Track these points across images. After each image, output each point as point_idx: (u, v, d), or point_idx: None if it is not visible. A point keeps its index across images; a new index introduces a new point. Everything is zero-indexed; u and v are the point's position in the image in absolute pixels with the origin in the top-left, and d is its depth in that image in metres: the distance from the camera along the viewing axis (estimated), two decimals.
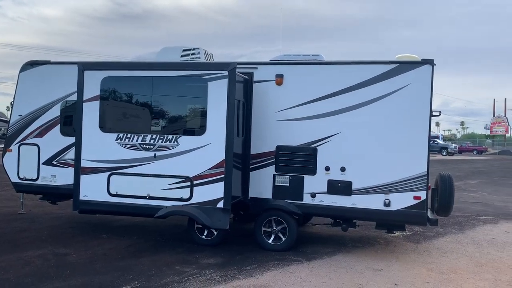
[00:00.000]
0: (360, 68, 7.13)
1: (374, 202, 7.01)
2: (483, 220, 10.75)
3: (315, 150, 7.22)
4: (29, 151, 8.58)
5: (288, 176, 7.32)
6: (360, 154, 7.07)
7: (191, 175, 6.82)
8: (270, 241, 7.44)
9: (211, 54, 8.76)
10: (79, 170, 7.20)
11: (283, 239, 7.40)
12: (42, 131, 8.53)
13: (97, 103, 7.16)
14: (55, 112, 8.47)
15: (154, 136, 6.96)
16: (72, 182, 8.05)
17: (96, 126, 7.19)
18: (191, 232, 7.63)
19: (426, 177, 6.83)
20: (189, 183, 6.82)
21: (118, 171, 7.09)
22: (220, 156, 6.66)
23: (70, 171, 8.18)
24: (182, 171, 6.85)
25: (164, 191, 6.90)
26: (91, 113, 7.17)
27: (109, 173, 7.12)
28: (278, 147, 7.36)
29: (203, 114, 6.83)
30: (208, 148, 6.72)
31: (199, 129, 6.88)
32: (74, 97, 8.29)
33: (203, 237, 7.57)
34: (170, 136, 6.90)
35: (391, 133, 6.96)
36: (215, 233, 7.52)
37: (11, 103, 9.64)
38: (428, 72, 6.83)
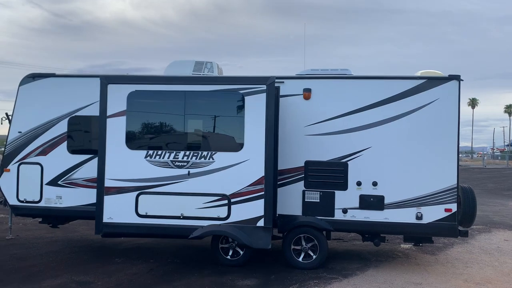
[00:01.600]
0: (389, 83, 7.20)
1: (407, 216, 7.04)
2: (476, 229, 11.11)
3: (346, 165, 7.18)
4: (31, 170, 7.90)
5: (319, 192, 7.21)
6: (392, 168, 7.10)
7: (228, 193, 6.54)
8: (300, 259, 7.26)
9: (221, 68, 8.56)
10: (103, 190, 6.70)
11: (314, 256, 7.26)
12: (46, 149, 7.89)
13: (123, 119, 6.73)
14: (61, 128, 7.88)
15: (187, 153, 6.63)
16: (81, 204, 7.58)
17: (122, 143, 6.75)
18: (215, 252, 7.31)
19: (456, 189, 6.97)
20: (226, 201, 6.53)
21: (147, 190, 6.67)
22: (259, 172, 6.45)
23: (79, 191, 7.69)
24: (218, 189, 6.55)
25: (199, 210, 6.57)
26: (116, 130, 6.73)
27: (137, 192, 6.68)
28: (307, 162, 7.25)
29: (240, 129, 6.60)
30: (246, 165, 6.49)
31: (236, 145, 6.63)
32: (83, 112, 7.81)
33: (228, 257, 7.28)
34: (205, 153, 6.60)
35: (421, 147, 7.05)
36: (241, 253, 7.25)
37: (4, 117, 8.91)
38: (455, 87, 7.01)
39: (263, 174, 6.41)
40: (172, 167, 6.63)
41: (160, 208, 6.63)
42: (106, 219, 6.67)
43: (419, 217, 7.01)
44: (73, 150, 7.85)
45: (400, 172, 7.08)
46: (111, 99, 6.68)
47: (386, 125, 7.15)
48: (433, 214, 6.98)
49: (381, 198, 7.08)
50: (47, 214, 7.96)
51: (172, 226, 6.60)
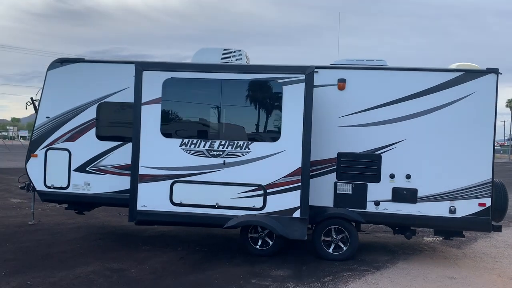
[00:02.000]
0: (426, 75, 7.12)
1: (440, 210, 7.01)
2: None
3: (379, 157, 7.12)
4: (59, 156, 7.83)
5: (351, 184, 7.16)
6: (426, 161, 7.05)
7: (264, 183, 6.48)
8: (330, 251, 7.22)
9: (249, 57, 8.45)
10: (137, 178, 6.64)
11: (344, 248, 7.22)
12: (75, 135, 7.82)
13: (158, 106, 6.64)
14: (90, 114, 7.79)
15: (223, 142, 6.56)
16: (110, 191, 7.52)
17: (157, 131, 6.67)
18: (244, 241, 7.28)
19: (490, 184, 6.92)
20: (262, 192, 6.48)
21: (182, 179, 6.61)
22: (296, 163, 6.39)
23: (108, 178, 7.63)
24: (254, 179, 6.49)
25: (235, 200, 6.52)
26: (150, 117, 6.65)
27: (172, 181, 6.62)
28: (340, 154, 7.18)
29: (277, 119, 6.53)
30: (283, 155, 6.43)
31: (273, 135, 6.56)
32: (112, 99, 7.73)
33: (258, 247, 7.25)
34: (241, 142, 6.52)
35: (456, 140, 6.99)
36: (270, 243, 7.22)
37: (28, 102, 8.82)
38: (493, 80, 6.93)
39: (300, 165, 6.35)
40: (207, 156, 6.57)
41: (195, 197, 6.58)
42: (140, 206, 6.62)
43: (452, 211, 6.97)
44: (102, 137, 7.77)
45: (434, 165, 7.03)
46: (146, 86, 6.59)
47: (422, 117, 7.08)
48: (466, 208, 6.95)
49: (415, 191, 7.03)
50: (75, 200, 7.91)
51: (206, 215, 6.56)
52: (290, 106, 6.42)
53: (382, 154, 7.12)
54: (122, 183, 7.66)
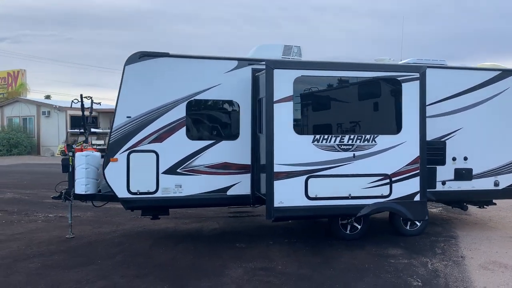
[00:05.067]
0: (475, 74, 8.54)
1: (488, 184, 8.56)
2: None
3: (444, 144, 8.35)
4: (144, 159, 7.26)
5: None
6: (478, 145, 8.51)
7: (389, 173, 7.14)
8: (407, 228, 8.26)
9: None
10: (273, 176, 6.69)
11: (418, 224, 8.32)
12: (162, 135, 7.31)
13: (290, 104, 6.74)
14: (179, 113, 7.36)
15: (352, 136, 6.99)
16: (204, 191, 7.41)
17: (290, 128, 6.77)
18: (336, 228, 7.86)
19: None
20: (388, 180, 7.13)
21: (316, 174, 6.86)
22: (415, 152, 7.20)
23: (201, 179, 7.44)
24: (381, 169, 7.10)
25: (365, 189, 7.04)
26: (283, 115, 6.71)
27: (306, 176, 6.82)
28: None
29: (398, 113, 7.21)
30: (404, 146, 7.16)
31: (395, 128, 7.23)
32: (202, 96, 7.49)
33: (348, 232, 7.91)
34: (368, 136, 7.05)
35: (499, 126, 8.59)
36: (358, 227, 7.94)
37: (76, 99, 7.87)
38: None
39: (419, 154, 7.18)
40: (338, 150, 6.94)
41: (329, 190, 6.90)
42: (277, 203, 6.68)
43: (496, 184, 8.57)
44: (193, 136, 7.45)
45: (484, 147, 8.52)
46: (278, 84, 6.63)
47: (473, 109, 8.48)
48: (507, 180, 8.62)
49: (470, 170, 8.44)
50: (164, 205, 7.45)
51: (341, 206, 6.95)
52: (408, 101, 7.16)
53: (446, 141, 8.34)
54: (215, 182, 7.52)
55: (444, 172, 8.30)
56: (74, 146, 8.09)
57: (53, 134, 32.02)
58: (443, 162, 8.28)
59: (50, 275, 6.06)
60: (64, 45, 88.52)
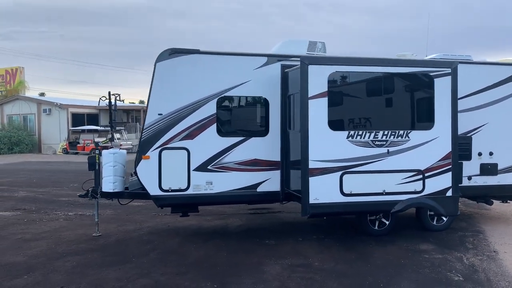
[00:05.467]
0: (501, 69, 8.56)
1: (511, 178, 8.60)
2: None
3: (470, 139, 8.36)
4: (176, 156, 7.23)
5: None
6: (503, 140, 8.54)
7: (422, 168, 7.15)
8: (434, 223, 8.28)
9: None
10: (308, 172, 6.68)
11: (445, 219, 8.34)
12: (193, 132, 7.29)
13: (324, 100, 6.73)
14: (210, 109, 7.34)
15: (385, 132, 6.99)
16: (234, 188, 7.40)
17: (325, 124, 6.76)
18: (364, 224, 7.86)
19: None
20: (421, 176, 7.14)
21: (351, 170, 6.86)
22: (447, 148, 7.21)
23: (231, 175, 7.43)
24: (414, 165, 7.11)
25: (399, 185, 7.05)
26: (318, 111, 6.70)
27: (341, 172, 6.82)
28: None
29: (431, 109, 7.21)
30: (437, 141, 7.17)
31: (428, 124, 7.24)
32: (232, 93, 7.47)
33: (376, 228, 7.92)
34: (401, 132, 7.05)
35: None
36: (386, 223, 7.95)
37: (104, 96, 7.82)
38: None
39: (450, 150, 7.19)
40: (372, 146, 6.94)
41: (364, 186, 6.91)
42: (312, 200, 6.68)
43: None
44: (223, 133, 7.43)
45: (509, 142, 8.56)
46: (312, 80, 6.62)
47: (498, 104, 8.51)
48: None
49: (496, 165, 8.48)
50: (195, 202, 7.43)
51: (375, 202, 6.96)
52: (440, 96, 7.17)
53: (472, 136, 8.36)
54: (245, 179, 7.51)
55: (470, 167, 8.32)
56: (100, 144, 8.03)
57: (55, 131, 31.85)
58: (469, 157, 8.30)
59: (89, 274, 6.02)
60: (56, 42, 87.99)
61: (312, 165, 6.68)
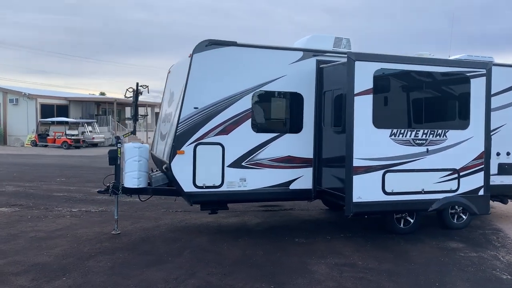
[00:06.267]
0: None
1: None
2: None
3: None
4: (211, 151, 6.98)
5: None
6: None
7: (457, 167, 7.21)
8: (455, 221, 8.41)
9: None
10: (352, 170, 6.59)
11: (465, 217, 8.49)
12: (228, 127, 7.05)
13: (369, 97, 6.64)
14: (245, 104, 7.12)
15: (425, 131, 7.00)
16: (267, 185, 7.27)
17: (369, 122, 6.68)
18: (391, 223, 7.89)
19: None
20: (456, 175, 7.20)
21: (393, 168, 6.82)
22: (481, 148, 7.31)
23: (265, 172, 7.28)
24: (450, 164, 7.16)
25: (436, 184, 7.08)
26: (362, 108, 6.61)
27: (383, 171, 6.77)
28: None
29: (466, 109, 7.27)
30: (471, 141, 7.25)
31: (464, 123, 7.29)
32: (269, 87, 7.30)
33: (401, 226, 7.97)
34: (440, 131, 7.07)
35: None
36: (411, 221, 8.01)
37: (131, 88, 7.44)
38: None
39: (483, 149, 7.29)
40: (413, 145, 6.93)
41: (405, 184, 6.88)
42: (355, 198, 6.60)
43: None
44: (257, 129, 7.23)
45: None
46: (358, 77, 6.52)
47: None
48: None
49: None
50: (229, 199, 7.20)
51: (414, 201, 6.96)
52: (475, 97, 7.25)
53: (491, 136, 8.52)
54: (278, 176, 7.37)
55: None
56: (121, 137, 7.64)
57: (22, 123, 30.40)
58: None
59: (131, 275, 5.70)
60: (10, 29, 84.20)
61: (356, 163, 6.59)
